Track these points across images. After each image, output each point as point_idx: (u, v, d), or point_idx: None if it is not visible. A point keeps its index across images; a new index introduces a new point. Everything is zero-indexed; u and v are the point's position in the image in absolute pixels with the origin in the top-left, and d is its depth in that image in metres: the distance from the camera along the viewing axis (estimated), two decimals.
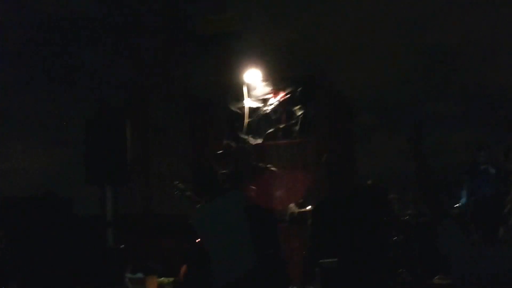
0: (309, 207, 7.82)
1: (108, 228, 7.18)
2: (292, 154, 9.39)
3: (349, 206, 4.84)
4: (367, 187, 4.98)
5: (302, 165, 9.29)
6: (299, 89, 9.31)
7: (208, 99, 9.72)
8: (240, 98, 9.38)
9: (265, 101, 9.32)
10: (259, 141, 9.22)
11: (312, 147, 9.30)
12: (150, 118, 9.64)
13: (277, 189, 6.12)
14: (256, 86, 9.36)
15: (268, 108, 9.28)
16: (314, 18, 9.53)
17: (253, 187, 5.26)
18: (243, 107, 9.32)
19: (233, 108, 9.45)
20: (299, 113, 9.22)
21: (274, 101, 9.28)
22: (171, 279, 8.09)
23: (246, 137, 9.14)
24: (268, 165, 6.10)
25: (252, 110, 9.32)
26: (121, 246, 6.96)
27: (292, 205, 8.04)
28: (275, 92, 9.31)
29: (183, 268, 7.80)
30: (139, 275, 7.67)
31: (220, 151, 6.67)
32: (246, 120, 9.24)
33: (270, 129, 9.23)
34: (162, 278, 8.04)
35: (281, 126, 9.23)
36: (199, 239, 5.87)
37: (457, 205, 7.50)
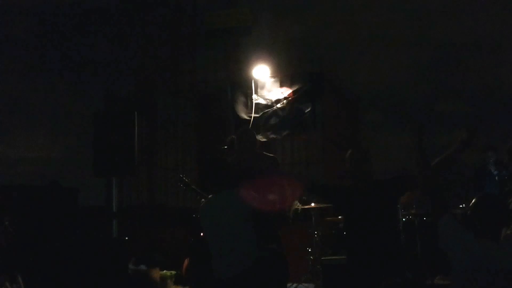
0: (312, 204, 7.85)
1: (113, 219, 7.24)
2: (298, 150, 9.42)
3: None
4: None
5: (308, 161, 9.32)
6: (307, 85, 9.31)
7: (216, 93, 9.75)
8: (248, 93, 9.38)
9: (273, 96, 9.31)
10: (267, 136, 9.23)
11: (318, 143, 9.33)
12: (157, 110, 9.67)
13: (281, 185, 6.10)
14: (264, 82, 9.36)
15: (276, 104, 9.28)
16: (323, 14, 9.52)
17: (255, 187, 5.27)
18: (251, 102, 9.32)
19: (241, 103, 9.46)
20: (307, 109, 9.22)
21: (282, 97, 9.28)
22: (173, 272, 8.15)
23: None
24: (272, 155, 6.10)
25: (260, 106, 9.32)
26: (125, 238, 7.02)
27: (295, 202, 8.05)
28: (283, 88, 9.30)
29: (186, 262, 7.88)
30: (142, 267, 7.72)
31: (226, 146, 6.66)
32: (253, 115, 9.25)
33: (277, 125, 9.24)
34: (165, 271, 8.09)
35: (287, 123, 9.23)
36: (203, 233, 5.90)
37: (462, 205, 7.52)
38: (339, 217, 7.65)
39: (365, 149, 5.12)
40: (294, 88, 9.31)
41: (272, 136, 9.24)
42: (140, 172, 8.88)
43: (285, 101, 9.26)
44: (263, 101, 9.31)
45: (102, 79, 8.95)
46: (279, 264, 5.72)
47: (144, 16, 9.53)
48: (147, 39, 9.64)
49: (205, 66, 9.79)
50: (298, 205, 7.95)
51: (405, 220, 7.28)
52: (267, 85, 9.35)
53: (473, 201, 4.00)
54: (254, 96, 9.33)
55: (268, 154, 6.02)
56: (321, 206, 7.82)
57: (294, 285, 7.64)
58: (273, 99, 9.29)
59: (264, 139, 9.12)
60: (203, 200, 6.53)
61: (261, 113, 9.32)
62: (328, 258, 7.27)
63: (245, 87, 9.42)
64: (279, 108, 9.26)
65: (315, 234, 7.77)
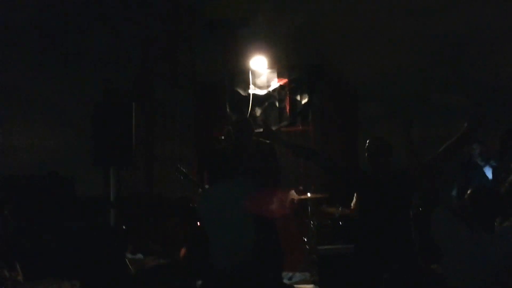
0: (308, 194, 7.91)
1: (110, 209, 7.31)
2: (295, 141, 9.45)
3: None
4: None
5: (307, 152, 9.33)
6: (305, 77, 9.35)
7: (214, 84, 9.78)
8: (246, 84, 9.41)
9: (270, 88, 9.34)
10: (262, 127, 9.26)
11: (315, 135, 9.37)
12: (155, 101, 9.72)
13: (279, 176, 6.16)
14: (262, 73, 9.39)
15: (273, 96, 9.32)
16: (321, 6, 9.51)
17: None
18: (248, 94, 9.35)
19: (238, 94, 9.49)
20: (304, 101, 9.27)
21: (279, 88, 9.32)
22: (170, 260, 8.21)
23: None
24: (269, 142, 6.12)
25: (257, 97, 9.36)
26: (123, 227, 7.10)
27: (292, 192, 8.10)
28: (281, 80, 9.34)
29: (183, 251, 7.94)
30: (139, 256, 7.79)
31: (223, 137, 6.72)
32: (250, 107, 9.29)
33: (274, 116, 9.28)
34: (162, 260, 8.15)
35: (285, 114, 9.27)
36: (201, 223, 5.96)
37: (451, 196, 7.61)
38: (336, 207, 7.74)
39: (384, 140, 4.99)
40: (291, 80, 9.35)
41: (268, 127, 9.26)
42: (138, 163, 8.94)
43: (281, 90, 9.29)
44: (260, 92, 9.34)
45: (101, 70, 8.96)
46: (276, 255, 5.80)
47: (142, 7, 9.54)
48: (146, 31, 9.66)
49: (203, 57, 9.80)
50: (294, 195, 8.02)
51: None
52: (264, 76, 9.38)
53: (467, 193, 4.04)
54: (251, 87, 9.36)
55: (264, 141, 6.03)
56: (317, 196, 7.89)
57: (290, 274, 7.72)
58: (270, 90, 9.33)
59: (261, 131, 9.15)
60: (200, 190, 6.60)
61: (258, 105, 9.35)
62: (324, 247, 7.34)
63: (242, 78, 9.44)
64: (276, 99, 9.30)
65: (311, 223, 7.84)
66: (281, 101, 9.28)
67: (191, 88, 9.89)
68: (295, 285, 7.24)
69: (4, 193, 7.02)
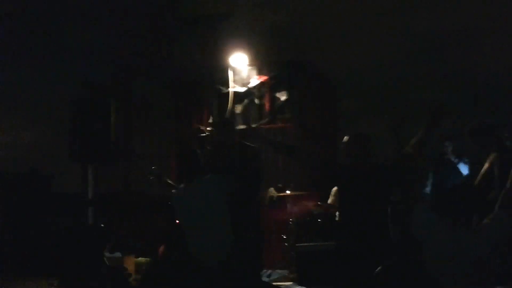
0: (288, 192, 7.92)
1: (89, 206, 7.25)
2: (275, 138, 9.43)
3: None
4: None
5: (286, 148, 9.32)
6: (285, 74, 9.34)
7: (193, 81, 9.73)
8: (225, 81, 9.37)
9: (250, 85, 9.32)
10: (245, 125, 9.23)
11: (295, 132, 9.37)
12: (134, 98, 9.66)
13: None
14: (241, 70, 9.35)
15: (253, 92, 9.30)
16: (301, 3, 9.51)
17: None
18: (228, 90, 9.32)
19: (218, 91, 9.46)
20: (284, 98, 9.26)
21: (259, 85, 9.30)
22: (149, 259, 8.17)
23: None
24: (253, 146, 6.11)
25: (237, 94, 9.33)
26: (101, 225, 7.03)
27: (271, 189, 8.12)
28: (261, 76, 9.32)
29: (161, 249, 7.90)
30: (117, 254, 7.74)
31: (203, 134, 6.69)
32: (231, 104, 9.26)
33: (254, 113, 9.27)
34: (140, 258, 8.12)
35: (265, 111, 9.26)
36: (179, 221, 5.94)
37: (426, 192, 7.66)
38: (315, 204, 7.75)
39: (362, 135, 5.00)
40: (271, 76, 9.34)
41: (247, 123, 9.24)
42: (116, 159, 8.87)
43: (261, 87, 9.27)
44: (240, 89, 9.32)
45: (79, 65, 8.87)
46: (254, 252, 5.80)
47: (121, 2, 9.46)
48: (125, 26, 9.59)
49: (182, 53, 9.75)
50: (273, 192, 8.03)
51: None
52: (244, 73, 9.35)
53: (446, 190, 4.07)
54: (231, 84, 9.32)
55: (249, 144, 6.03)
56: (296, 193, 7.91)
57: (269, 271, 7.73)
58: (251, 86, 9.30)
59: (242, 128, 9.13)
60: (178, 187, 6.56)
61: (238, 102, 9.33)
62: (303, 245, 7.36)
63: (222, 75, 9.40)
64: (256, 96, 9.29)
65: (290, 221, 7.85)
66: (261, 98, 9.27)
67: (171, 84, 9.83)
68: (274, 283, 7.24)
69: None
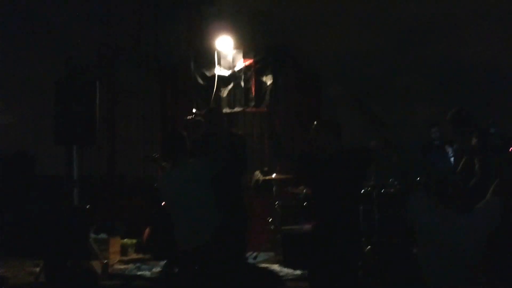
0: (273, 175, 7.95)
1: (74, 188, 7.22)
2: (260, 123, 9.46)
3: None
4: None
5: (269, 134, 9.37)
6: (270, 58, 9.33)
7: (179, 64, 9.68)
8: (211, 64, 9.34)
9: (236, 68, 9.29)
10: (229, 109, 9.24)
11: (280, 117, 9.39)
12: (119, 81, 9.60)
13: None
14: (227, 54, 9.31)
15: (239, 76, 9.28)
16: None
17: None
18: (213, 74, 9.29)
19: (203, 74, 9.42)
20: (269, 82, 9.25)
21: (244, 69, 9.27)
22: (134, 240, 8.18)
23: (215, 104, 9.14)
24: (239, 132, 6.17)
25: (222, 78, 9.30)
26: (87, 206, 7.01)
27: (257, 172, 8.14)
28: (246, 60, 9.30)
29: (147, 231, 7.92)
30: (103, 235, 7.73)
31: (190, 117, 6.67)
32: (216, 87, 9.23)
33: (239, 97, 9.25)
34: (125, 240, 8.12)
35: (250, 95, 9.25)
36: (163, 203, 5.95)
37: (418, 179, 7.73)
38: (300, 187, 7.79)
39: (332, 121, 5.21)
40: (257, 60, 9.32)
41: (235, 109, 9.26)
42: (101, 142, 8.83)
43: (247, 71, 9.24)
44: (226, 73, 9.29)
45: (63, 47, 8.79)
46: (239, 235, 5.82)
47: None
48: (110, 8, 9.51)
49: (168, 37, 9.69)
50: (259, 176, 8.05)
51: (363, 192, 7.44)
52: (230, 56, 9.31)
53: (444, 176, 4.15)
54: (217, 68, 9.29)
55: (236, 132, 6.08)
56: (282, 177, 7.94)
57: (255, 253, 7.77)
58: (236, 70, 9.28)
59: (227, 111, 9.14)
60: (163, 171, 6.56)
61: (223, 85, 9.31)
62: (288, 227, 7.41)
63: (208, 59, 9.37)
64: (242, 80, 9.27)
65: (276, 204, 7.89)
66: (246, 81, 9.24)
67: (156, 67, 9.78)
68: (260, 265, 7.29)
69: None
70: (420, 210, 4.07)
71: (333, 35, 11.10)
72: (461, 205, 4.04)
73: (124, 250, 7.98)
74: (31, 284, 6.52)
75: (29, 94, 8.73)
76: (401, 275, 5.16)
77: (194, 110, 8.95)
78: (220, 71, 9.29)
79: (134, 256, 8.00)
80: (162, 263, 7.00)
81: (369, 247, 4.61)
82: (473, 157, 6.00)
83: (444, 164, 7.46)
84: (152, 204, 7.76)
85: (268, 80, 9.22)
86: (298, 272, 6.78)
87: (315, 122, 5.11)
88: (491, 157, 5.78)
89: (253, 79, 9.22)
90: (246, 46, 9.35)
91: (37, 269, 6.67)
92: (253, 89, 9.21)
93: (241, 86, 9.24)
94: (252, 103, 9.20)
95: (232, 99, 9.22)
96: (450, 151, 7.67)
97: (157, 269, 7.04)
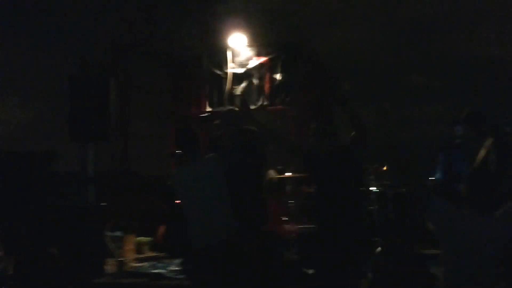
0: (288, 174, 7.93)
1: (89, 185, 7.21)
2: (273, 120, 9.42)
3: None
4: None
5: (283, 132, 9.34)
6: (283, 56, 9.29)
7: (192, 61, 9.66)
8: (224, 62, 9.31)
9: (249, 66, 9.26)
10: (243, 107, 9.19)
11: (293, 114, 9.35)
12: (132, 77, 9.58)
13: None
14: (240, 51, 9.29)
15: (252, 74, 9.25)
16: None
17: None
18: (227, 71, 9.27)
19: (216, 72, 9.40)
20: (282, 80, 9.22)
21: (257, 67, 9.25)
22: (149, 238, 8.18)
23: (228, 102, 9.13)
24: (254, 129, 6.14)
25: (236, 75, 9.27)
26: (102, 204, 7.02)
27: (271, 171, 8.12)
28: (260, 57, 9.27)
29: (161, 228, 7.91)
30: (118, 233, 7.73)
31: (204, 114, 6.67)
32: (229, 85, 9.21)
33: (253, 95, 9.23)
34: (140, 237, 8.12)
35: (264, 93, 9.22)
36: (178, 201, 5.94)
37: (432, 178, 7.68)
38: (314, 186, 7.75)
39: (329, 122, 5.33)
40: (269, 58, 9.29)
41: (248, 106, 9.21)
42: (115, 138, 8.82)
43: (260, 68, 9.21)
44: (239, 71, 9.27)
45: (77, 43, 8.79)
46: (255, 233, 5.82)
47: None
48: (123, 4, 9.50)
49: (181, 33, 9.67)
50: (273, 175, 8.02)
51: (378, 191, 7.43)
52: (243, 54, 9.29)
53: (466, 178, 4.11)
54: (230, 65, 9.27)
55: (251, 128, 6.09)
56: (296, 175, 7.92)
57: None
58: (250, 68, 9.25)
59: (240, 109, 9.10)
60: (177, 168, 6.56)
61: (236, 83, 9.28)
62: (303, 226, 7.39)
63: (221, 56, 9.34)
64: (255, 78, 9.24)
65: (290, 203, 7.87)
66: (260, 79, 9.21)
67: (169, 64, 9.77)
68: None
69: None
70: (440, 216, 4.04)
71: (345, 32, 11.07)
72: (481, 207, 4.01)
73: (139, 248, 7.97)
74: None
75: (42, 91, 8.72)
76: (411, 276, 5.14)
77: (208, 108, 8.95)
78: (233, 68, 9.26)
79: (149, 254, 7.99)
80: (177, 261, 7.00)
81: (379, 248, 4.63)
82: (489, 157, 5.97)
83: (463, 164, 7.39)
84: (166, 202, 7.75)
85: (283, 77, 9.18)
86: (311, 271, 6.77)
87: (312, 124, 5.30)
88: (508, 157, 5.75)
89: (267, 77, 9.19)
90: (259, 44, 9.32)
91: None
92: (266, 86, 9.19)
93: (254, 83, 9.21)
94: (266, 101, 9.17)
95: (245, 97, 9.18)
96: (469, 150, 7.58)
97: (172, 267, 7.04)
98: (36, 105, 8.74)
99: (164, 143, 9.34)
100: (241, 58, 9.29)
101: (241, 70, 9.26)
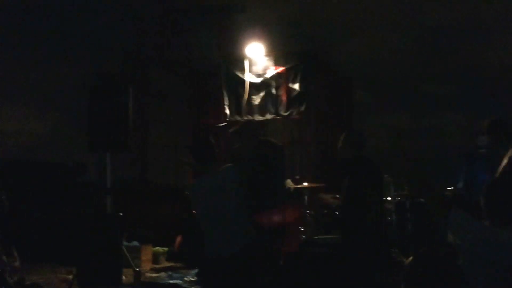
0: (305, 184, 7.89)
1: (107, 195, 7.22)
2: (291, 130, 9.41)
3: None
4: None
5: (301, 141, 9.34)
6: (301, 65, 9.27)
7: (210, 70, 9.69)
8: (242, 71, 9.32)
9: (267, 75, 9.26)
10: (261, 117, 9.21)
11: (311, 123, 9.33)
12: (150, 86, 9.63)
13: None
14: (257, 61, 9.29)
15: (270, 83, 9.24)
16: None
17: None
18: (244, 81, 9.27)
19: (234, 81, 9.41)
20: (300, 89, 9.20)
21: (275, 76, 9.23)
22: (166, 248, 8.18)
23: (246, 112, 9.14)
24: (273, 140, 6.15)
25: (253, 85, 9.27)
26: (119, 214, 7.01)
27: (288, 181, 8.08)
28: (277, 67, 9.26)
29: (178, 239, 7.91)
30: (135, 243, 7.75)
31: (221, 124, 6.67)
32: (246, 95, 9.21)
33: (270, 104, 9.21)
34: (157, 247, 8.13)
35: (281, 103, 9.20)
36: (194, 210, 5.93)
37: (451, 188, 7.58)
38: (332, 196, 7.71)
39: (359, 132, 5.38)
40: (287, 67, 9.27)
41: (266, 116, 9.22)
42: (133, 148, 8.85)
43: (278, 78, 9.20)
44: (257, 80, 9.26)
45: (95, 54, 8.85)
46: (270, 244, 5.79)
47: None
48: (141, 15, 9.55)
49: (198, 43, 9.71)
50: (291, 184, 7.99)
51: (397, 201, 7.36)
52: (260, 63, 9.28)
53: (486, 187, 4.03)
54: (247, 74, 9.27)
55: (273, 142, 6.11)
56: (314, 185, 7.88)
57: None
58: (267, 77, 9.24)
59: (259, 119, 9.11)
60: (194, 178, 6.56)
61: (254, 92, 9.28)
62: (321, 237, 7.34)
63: (239, 65, 9.35)
64: (273, 87, 9.23)
65: (308, 213, 7.82)
66: (277, 89, 9.20)
67: (187, 73, 9.80)
68: None
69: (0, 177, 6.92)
70: (460, 227, 3.98)
71: (363, 41, 11.03)
72: (501, 218, 3.94)
73: (156, 258, 7.98)
74: None
75: (61, 101, 8.79)
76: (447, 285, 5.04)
77: (226, 118, 8.97)
78: (251, 78, 9.26)
79: (165, 264, 8.00)
80: (194, 271, 6.99)
81: (411, 258, 4.56)
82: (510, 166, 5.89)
83: (487, 175, 7.27)
84: (183, 212, 7.75)
85: (299, 87, 9.15)
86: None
87: (343, 134, 5.32)
88: None
89: (285, 87, 9.17)
90: (277, 53, 9.32)
91: (70, 277, 6.70)
92: (284, 96, 9.16)
93: (272, 93, 9.20)
94: (284, 111, 9.15)
95: (263, 107, 9.18)
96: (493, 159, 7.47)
97: (188, 278, 7.03)
98: (55, 115, 8.80)
99: (182, 152, 9.36)
100: (258, 67, 9.29)
101: (259, 80, 9.25)
